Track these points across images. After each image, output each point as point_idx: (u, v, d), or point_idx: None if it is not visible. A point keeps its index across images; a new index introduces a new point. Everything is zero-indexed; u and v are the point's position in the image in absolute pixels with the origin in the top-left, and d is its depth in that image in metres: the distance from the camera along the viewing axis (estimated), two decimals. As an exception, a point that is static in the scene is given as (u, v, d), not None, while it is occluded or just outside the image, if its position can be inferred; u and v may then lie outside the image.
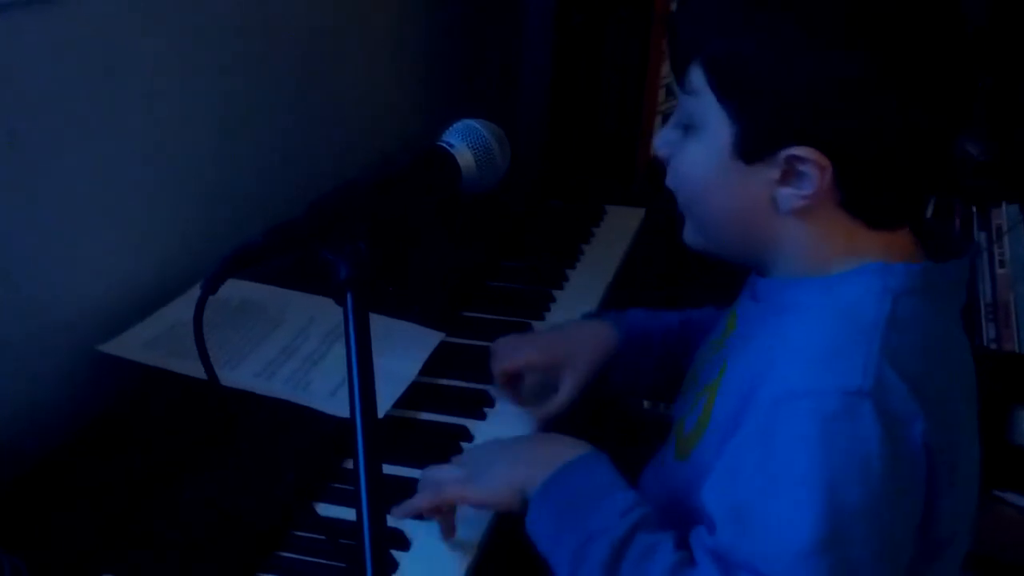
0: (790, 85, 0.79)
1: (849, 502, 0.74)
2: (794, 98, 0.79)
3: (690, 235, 0.93)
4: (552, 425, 1.12)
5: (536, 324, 1.35)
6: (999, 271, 1.91)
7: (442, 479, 0.94)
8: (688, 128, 0.86)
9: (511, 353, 1.15)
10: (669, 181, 0.92)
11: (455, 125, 0.91)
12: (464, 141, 0.90)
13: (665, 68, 1.94)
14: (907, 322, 0.80)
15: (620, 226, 1.70)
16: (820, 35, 0.78)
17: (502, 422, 1.14)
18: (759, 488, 0.78)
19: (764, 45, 0.79)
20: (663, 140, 0.91)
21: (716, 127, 0.83)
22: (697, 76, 0.83)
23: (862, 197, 0.82)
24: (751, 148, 0.82)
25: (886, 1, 0.79)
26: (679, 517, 0.90)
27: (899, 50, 0.78)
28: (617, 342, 1.14)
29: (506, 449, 0.95)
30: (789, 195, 0.82)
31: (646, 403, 1.80)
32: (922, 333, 0.82)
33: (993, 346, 1.94)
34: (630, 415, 1.73)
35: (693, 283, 1.21)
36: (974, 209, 1.92)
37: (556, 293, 1.44)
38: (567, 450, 0.90)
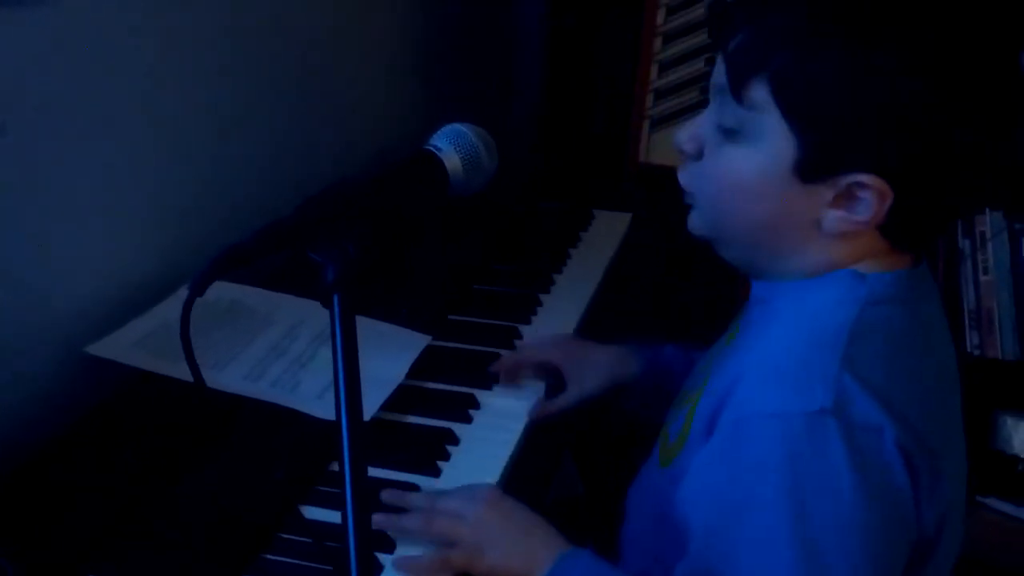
0: (862, 109, 0.77)
1: (821, 521, 0.74)
2: (865, 123, 0.77)
3: (697, 224, 0.91)
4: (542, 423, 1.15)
5: (523, 328, 1.35)
6: (983, 278, 1.92)
7: (452, 536, 0.93)
8: (733, 133, 0.84)
9: (537, 348, 1.25)
10: (689, 178, 0.90)
11: (443, 129, 0.92)
12: (451, 145, 0.90)
13: (654, 72, 1.95)
14: (872, 330, 0.81)
15: (607, 231, 1.71)
16: (899, 63, 0.76)
17: (488, 425, 1.14)
18: (731, 513, 0.78)
19: (838, 66, 0.77)
20: (691, 135, 0.88)
21: (777, 142, 0.81)
22: (760, 91, 0.80)
23: (906, 224, 0.82)
24: (813, 168, 0.81)
25: (952, 25, 0.78)
26: (666, 526, 0.91)
27: (965, 75, 0.77)
28: (633, 375, 1.19)
29: (517, 530, 0.93)
30: (838, 218, 0.81)
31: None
32: (890, 340, 0.82)
33: (976, 352, 1.95)
34: (621, 421, 1.73)
35: (679, 288, 1.22)
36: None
37: (543, 297, 1.45)
38: (557, 545, 0.91)
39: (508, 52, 2.22)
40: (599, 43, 2.13)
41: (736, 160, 0.84)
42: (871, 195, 0.79)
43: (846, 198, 0.80)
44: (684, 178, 0.91)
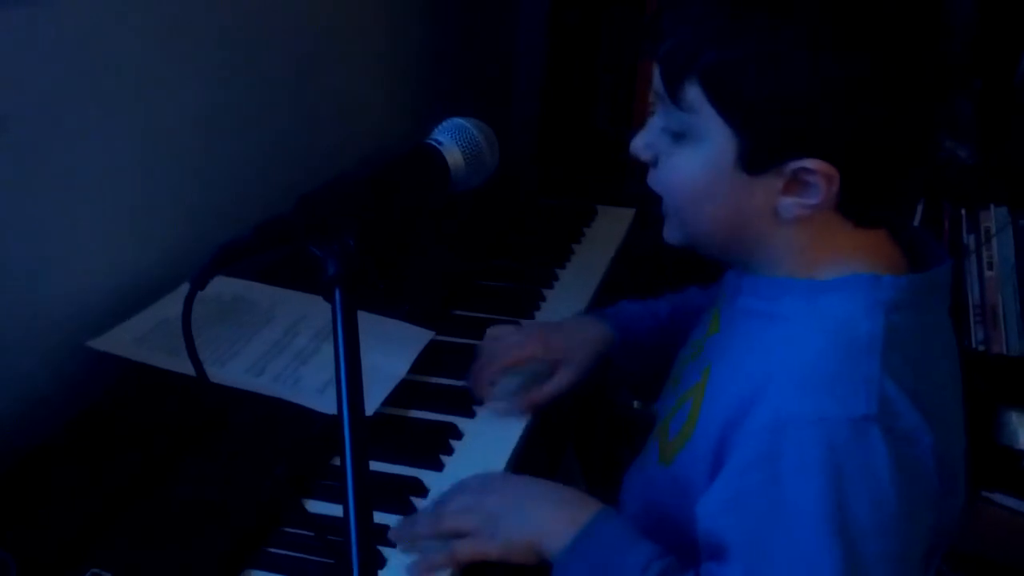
0: (793, 94, 0.77)
1: (863, 528, 0.74)
2: (798, 108, 0.78)
3: (671, 233, 0.93)
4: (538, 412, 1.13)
5: (525, 323, 1.35)
6: (987, 273, 1.92)
7: (463, 529, 0.92)
8: (680, 136, 0.85)
9: (513, 347, 1.16)
10: (653, 184, 0.91)
11: (444, 123, 0.92)
12: (453, 139, 0.90)
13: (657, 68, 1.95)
14: (901, 337, 0.80)
15: (610, 226, 1.71)
16: (818, 40, 0.77)
17: (491, 419, 1.14)
18: (771, 520, 0.77)
19: (762, 55, 0.78)
20: (644, 143, 0.90)
21: (717, 139, 0.82)
22: (694, 91, 0.81)
23: (860, 200, 0.82)
24: (756, 160, 0.81)
25: (878, 2, 0.78)
26: (663, 521, 0.90)
27: (896, 49, 0.78)
28: (613, 343, 1.16)
29: (519, 499, 0.93)
30: (792, 204, 0.82)
31: (636, 403, 1.80)
32: (915, 346, 0.82)
33: (981, 348, 1.94)
34: (620, 414, 1.73)
35: (682, 284, 1.22)
36: (963, 211, 1.92)
37: (546, 292, 1.45)
38: (580, 510, 0.90)
39: (510, 49, 2.22)
40: (601, 39, 2.13)
41: (685, 162, 0.86)
42: (818, 178, 0.79)
43: (796, 184, 0.81)
44: (650, 183, 0.92)
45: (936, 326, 0.88)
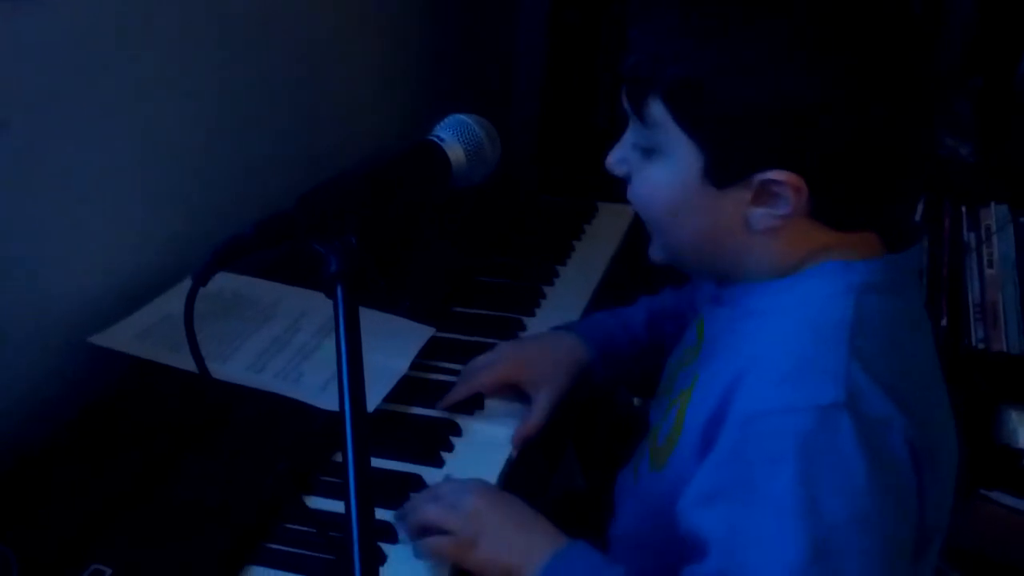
0: (754, 110, 0.77)
1: (835, 516, 0.74)
2: (761, 121, 0.78)
3: (655, 252, 0.93)
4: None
5: (527, 319, 1.35)
6: (988, 271, 1.92)
7: (444, 529, 0.92)
8: (649, 151, 0.85)
9: (490, 371, 1.15)
10: (630, 199, 0.91)
11: (446, 120, 0.92)
12: (455, 135, 0.90)
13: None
14: (872, 320, 0.80)
15: (611, 223, 1.71)
16: (779, 56, 0.76)
17: (491, 417, 1.14)
18: (744, 512, 0.77)
19: (723, 70, 0.78)
20: (617, 159, 0.90)
21: (683, 155, 0.82)
22: (657, 109, 0.82)
23: (832, 206, 0.82)
24: (722, 174, 0.81)
25: (839, 13, 0.78)
26: (658, 527, 0.90)
27: (859, 64, 0.77)
28: (591, 358, 1.16)
29: (509, 523, 0.92)
30: (763, 215, 0.82)
31: (636, 400, 1.80)
32: (888, 329, 0.82)
33: (981, 346, 1.94)
34: (620, 413, 1.73)
35: (681, 281, 1.22)
36: (963, 209, 1.93)
37: (546, 289, 1.45)
38: (559, 537, 0.90)
39: (510, 49, 2.22)
40: (601, 39, 2.13)
41: (655, 177, 0.86)
42: (786, 189, 0.79)
43: (765, 195, 0.81)
44: (628, 198, 0.92)
45: (910, 308, 0.87)
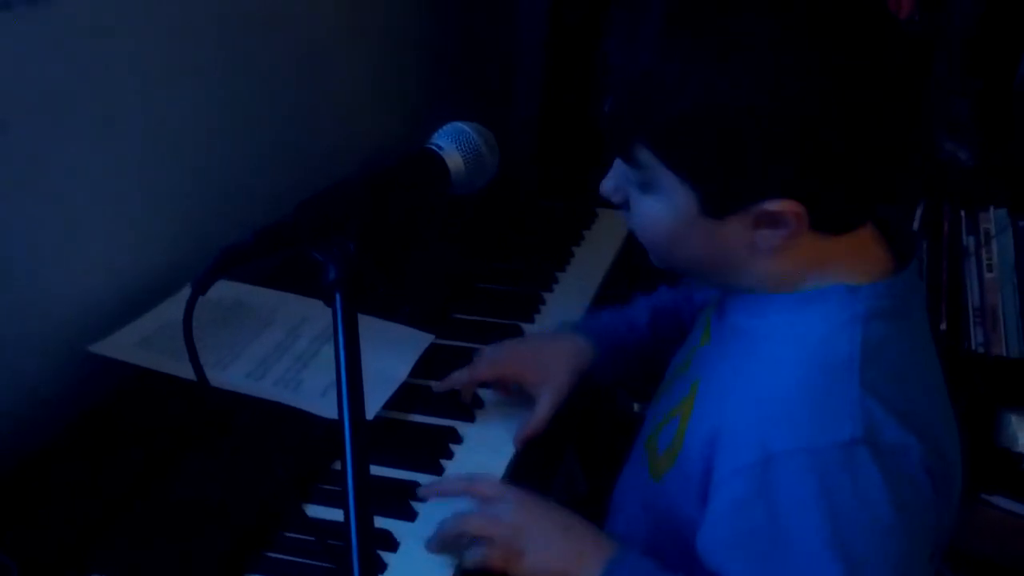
0: (741, 145, 0.76)
1: (863, 550, 0.75)
2: (748, 157, 0.77)
3: (655, 262, 0.93)
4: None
5: (526, 326, 1.35)
6: (987, 275, 1.92)
7: (495, 534, 0.91)
8: (643, 184, 0.85)
9: (492, 363, 1.16)
10: (630, 227, 0.91)
11: (444, 128, 0.92)
12: (453, 144, 0.90)
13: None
14: (880, 348, 0.80)
15: (610, 229, 1.70)
16: (759, 91, 0.74)
17: (491, 423, 1.14)
18: (775, 558, 0.78)
19: (703, 108, 0.76)
20: (612, 186, 0.89)
21: (677, 193, 0.81)
22: (644, 153, 0.81)
23: (831, 217, 0.82)
24: (718, 208, 0.81)
25: (815, 45, 0.76)
26: (659, 530, 0.92)
27: (842, 90, 0.75)
28: (594, 356, 1.16)
29: (555, 529, 0.91)
30: (769, 236, 0.81)
31: (636, 406, 1.80)
32: (895, 354, 0.82)
33: (981, 350, 1.94)
34: (620, 415, 1.73)
35: (676, 280, 1.22)
36: (963, 213, 1.92)
37: (546, 295, 1.45)
38: (601, 546, 0.89)
39: (510, 50, 2.21)
40: (602, 37, 2.13)
41: (652, 210, 0.85)
42: (785, 215, 0.79)
43: (766, 221, 0.80)
44: (629, 226, 0.92)
45: (915, 326, 0.88)
